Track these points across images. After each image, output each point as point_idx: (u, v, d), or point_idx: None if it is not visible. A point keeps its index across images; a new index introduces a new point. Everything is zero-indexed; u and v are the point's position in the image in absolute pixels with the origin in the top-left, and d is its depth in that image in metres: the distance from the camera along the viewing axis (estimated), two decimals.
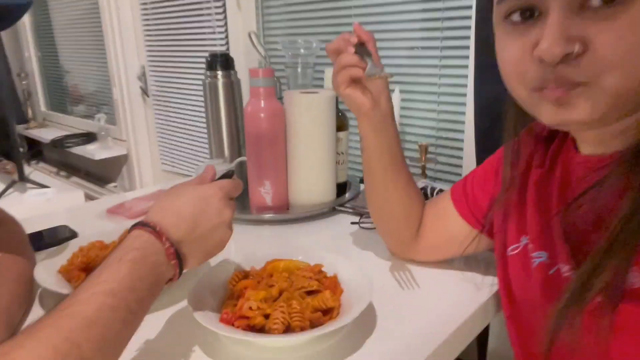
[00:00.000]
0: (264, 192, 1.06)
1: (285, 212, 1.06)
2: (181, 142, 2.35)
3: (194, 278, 0.68)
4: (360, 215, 1.04)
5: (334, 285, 0.69)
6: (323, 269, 0.72)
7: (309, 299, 0.64)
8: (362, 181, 1.20)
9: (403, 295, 0.74)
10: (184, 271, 0.57)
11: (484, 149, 1.17)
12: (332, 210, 1.09)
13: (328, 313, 0.63)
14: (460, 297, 0.73)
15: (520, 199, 0.66)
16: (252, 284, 0.67)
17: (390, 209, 0.79)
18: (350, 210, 1.08)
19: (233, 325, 0.60)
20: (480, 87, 1.11)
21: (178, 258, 0.55)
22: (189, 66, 2.17)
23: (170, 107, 2.34)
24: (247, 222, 1.05)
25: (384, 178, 0.77)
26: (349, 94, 0.71)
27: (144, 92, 2.46)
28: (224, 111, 1.15)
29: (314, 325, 0.61)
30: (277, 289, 0.65)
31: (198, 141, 2.25)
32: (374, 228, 0.98)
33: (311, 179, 1.07)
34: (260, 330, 0.60)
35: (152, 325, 0.67)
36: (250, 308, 0.61)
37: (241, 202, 1.15)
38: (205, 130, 1.44)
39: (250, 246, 0.96)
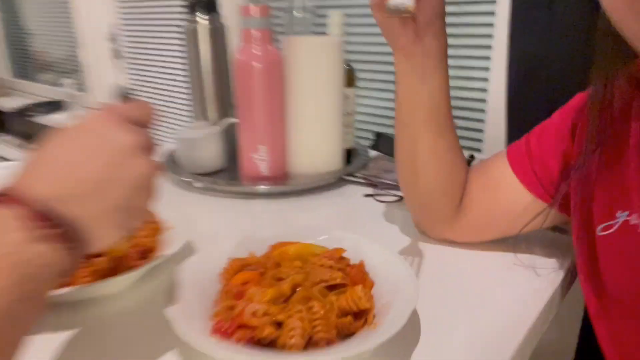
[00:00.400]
0: (258, 160, 0.87)
1: (285, 183, 0.88)
2: (160, 107, 2.13)
3: (168, 269, 0.50)
4: (375, 186, 0.87)
5: (361, 276, 0.52)
6: (345, 254, 0.55)
7: (332, 297, 0.47)
8: (374, 148, 1.03)
9: (446, 288, 0.57)
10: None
11: (517, 112, 1.00)
12: (339, 180, 0.91)
13: (360, 317, 0.46)
14: (521, 290, 0.57)
15: (613, 162, 0.49)
16: (255, 278, 0.49)
17: (426, 179, 0.62)
18: (362, 181, 0.90)
19: (231, 338, 0.43)
20: (519, 39, 0.93)
21: (67, 234, 0.34)
22: (166, 22, 1.94)
23: (146, 69, 2.11)
24: (237, 195, 0.86)
25: (421, 138, 0.60)
26: (380, 20, 0.53)
27: (116, 54, 2.22)
28: (208, 63, 0.95)
29: (342, 334, 0.44)
30: (289, 284, 0.47)
31: (180, 106, 2.03)
32: (394, 201, 0.81)
33: (315, 144, 0.89)
34: (270, 344, 0.43)
35: (109, 338, 0.49)
36: (255, 314, 0.43)
37: (230, 172, 0.97)
38: (187, 92, 1.23)
39: (243, 225, 0.78)
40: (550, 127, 0.58)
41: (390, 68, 0.65)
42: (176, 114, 2.05)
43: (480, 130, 1.19)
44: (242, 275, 0.50)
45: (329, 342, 0.43)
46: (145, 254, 0.58)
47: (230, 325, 0.43)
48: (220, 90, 0.99)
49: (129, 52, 2.17)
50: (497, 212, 0.61)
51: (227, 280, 0.50)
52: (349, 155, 0.99)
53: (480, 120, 1.19)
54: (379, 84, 1.38)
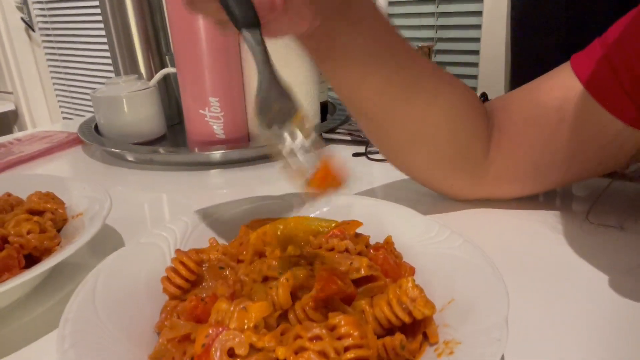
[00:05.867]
0: (210, 118, 0.65)
1: (246, 147, 0.66)
2: (86, 81, 1.84)
3: (77, 275, 0.29)
4: (366, 143, 0.67)
5: (394, 261, 0.32)
6: (360, 230, 0.35)
7: (364, 304, 0.27)
8: None
9: (518, 269, 0.39)
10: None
11: (522, 40, 0.83)
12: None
13: (413, 332, 0.27)
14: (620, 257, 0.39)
15: None
16: (224, 282, 0.28)
17: (427, 150, 0.43)
18: (348, 138, 0.70)
19: None
20: None
21: None
22: None
23: (66, 40, 1.81)
24: (184, 167, 0.65)
25: (398, 106, 0.40)
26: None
27: (28, 25, 1.89)
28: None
29: None
30: (285, 287, 0.27)
31: (109, 74, 1.75)
32: None
33: None
34: None
35: None
36: (232, 352, 0.23)
37: (173, 137, 0.75)
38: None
39: (196, 204, 0.56)
40: (630, 27, 0.39)
41: None
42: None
43: (474, 65, 1.01)
44: (203, 278, 0.29)
45: None
46: (40, 255, 0.37)
47: None
48: (149, 33, 0.75)
49: (44, 22, 1.85)
50: (559, 153, 0.43)
51: (175, 291, 0.29)
52: (324, 110, 0.79)
53: (474, 52, 1.00)
54: None
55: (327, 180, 0.27)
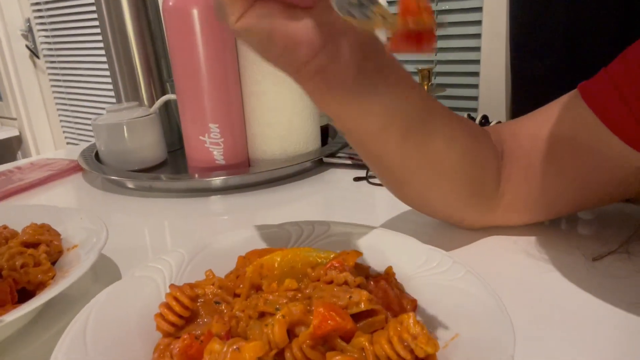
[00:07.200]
0: (210, 144, 0.65)
1: (247, 173, 0.66)
2: (89, 108, 1.85)
3: (71, 310, 0.28)
4: (367, 167, 0.67)
5: (395, 296, 0.31)
6: (360, 260, 0.34)
7: (363, 341, 0.26)
8: None
9: (525, 302, 0.38)
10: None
11: (522, 64, 0.83)
12: (319, 164, 0.71)
13: None
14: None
15: None
16: (218, 320, 0.27)
17: (441, 193, 0.43)
18: (348, 162, 0.70)
19: None
20: None
21: None
22: (88, 9, 1.67)
23: (70, 67, 1.83)
24: (184, 193, 0.64)
25: (415, 155, 0.40)
26: (254, 20, 0.28)
27: (33, 52, 1.91)
28: (131, 23, 0.73)
29: None
30: (282, 324, 0.26)
31: (113, 99, 1.76)
32: None
33: (285, 119, 0.67)
34: None
35: None
36: None
37: (173, 164, 0.75)
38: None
39: (194, 232, 0.56)
40: (633, 63, 0.39)
41: None
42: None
43: (474, 86, 1.01)
44: (198, 317, 0.28)
45: None
46: (34, 289, 0.36)
47: None
48: (150, 59, 0.76)
49: (48, 50, 1.88)
50: (572, 183, 0.42)
51: (169, 328, 0.28)
52: (325, 133, 0.79)
53: (474, 74, 1.00)
54: None
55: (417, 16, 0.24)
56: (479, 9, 0.96)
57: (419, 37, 0.25)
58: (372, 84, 0.34)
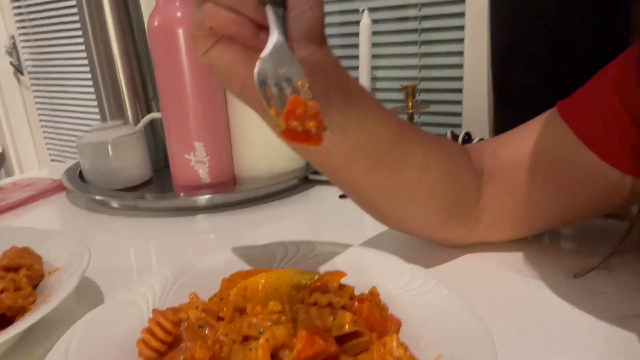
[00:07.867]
0: (195, 162, 0.65)
1: (232, 191, 0.66)
2: (74, 125, 1.84)
3: (58, 330, 0.28)
4: None
5: (380, 315, 0.32)
6: (344, 280, 0.34)
7: None
8: None
9: (506, 321, 0.38)
10: None
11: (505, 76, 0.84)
12: (305, 182, 0.71)
13: None
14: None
15: None
16: (201, 345, 0.27)
17: (416, 217, 0.43)
18: None
19: None
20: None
21: None
22: (73, 26, 1.67)
23: (55, 84, 1.82)
24: (169, 213, 0.64)
25: (387, 184, 0.40)
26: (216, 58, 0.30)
27: (17, 69, 1.90)
28: (116, 41, 0.73)
29: None
30: (266, 348, 0.26)
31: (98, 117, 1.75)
32: None
33: (270, 136, 0.67)
34: None
35: None
36: None
37: (158, 183, 0.74)
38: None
39: (179, 253, 0.55)
40: (608, 82, 0.40)
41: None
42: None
43: (458, 102, 1.02)
44: (180, 341, 0.28)
45: None
46: (15, 315, 0.35)
47: None
48: (135, 76, 0.76)
49: (33, 67, 1.87)
50: (553, 198, 0.42)
51: (152, 354, 0.28)
52: None
53: (457, 91, 1.02)
54: (347, 60, 1.19)
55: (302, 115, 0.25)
56: (461, 28, 0.98)
57: (306, 135, 0.26)
58: (342, 116, 0.34)
